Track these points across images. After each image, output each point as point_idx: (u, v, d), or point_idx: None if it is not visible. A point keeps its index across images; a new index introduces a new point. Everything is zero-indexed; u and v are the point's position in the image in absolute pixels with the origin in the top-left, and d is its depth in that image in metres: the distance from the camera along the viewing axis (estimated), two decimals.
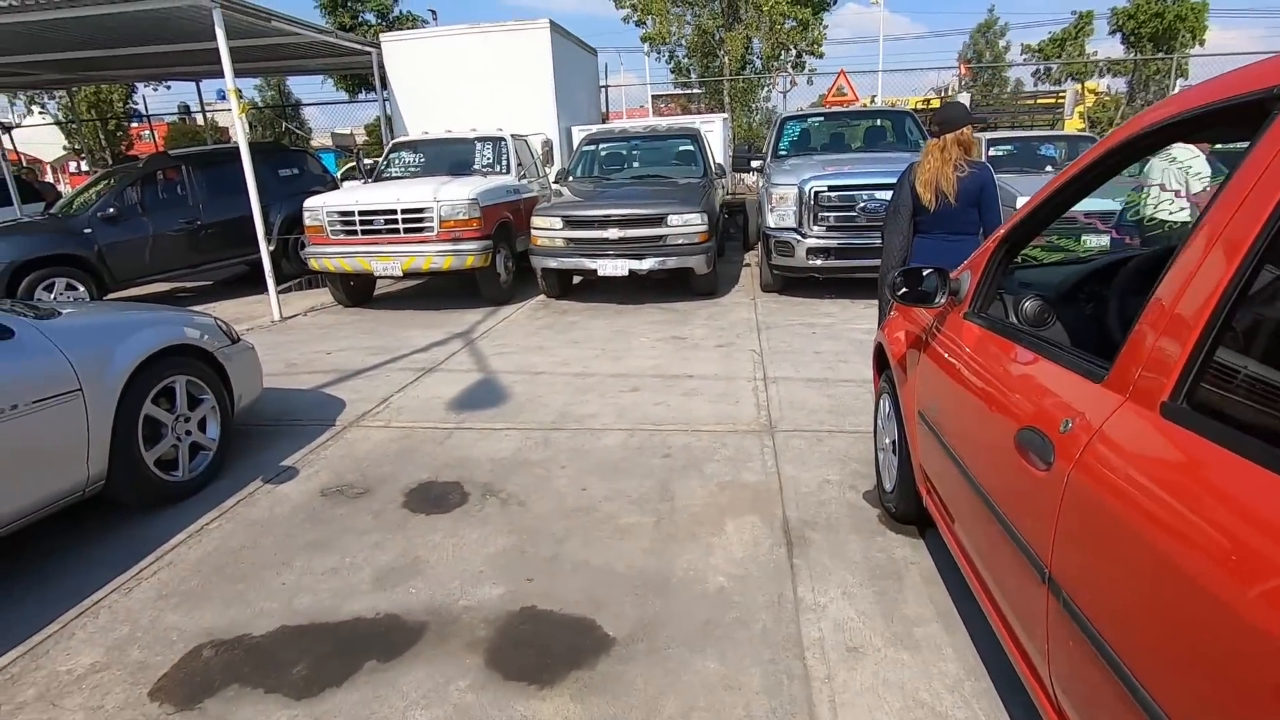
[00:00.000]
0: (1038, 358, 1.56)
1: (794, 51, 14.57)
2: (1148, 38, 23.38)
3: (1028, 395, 1.54)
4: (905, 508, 2.68)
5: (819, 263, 6.72)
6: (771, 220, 6.97)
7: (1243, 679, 0.82)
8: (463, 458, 3.63)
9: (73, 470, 2.75)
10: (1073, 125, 14.76)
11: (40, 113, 20.06)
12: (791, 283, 7.29)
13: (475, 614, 2.37)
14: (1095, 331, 1.87)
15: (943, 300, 2.07)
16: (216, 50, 6.43)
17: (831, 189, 6.62)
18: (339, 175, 12.07)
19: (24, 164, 20.38)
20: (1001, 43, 32.82)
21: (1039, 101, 20.52)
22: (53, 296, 6.99)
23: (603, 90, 13.02)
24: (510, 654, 2.17)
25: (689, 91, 18.56)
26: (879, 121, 8.93)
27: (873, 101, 13.16)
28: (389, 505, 3.16)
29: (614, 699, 1.96)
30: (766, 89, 14.98)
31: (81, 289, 7.26)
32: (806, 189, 6.69)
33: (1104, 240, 6.12)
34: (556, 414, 4.20)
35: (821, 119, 9.13)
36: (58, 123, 21.92)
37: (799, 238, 6.76)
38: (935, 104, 14.81)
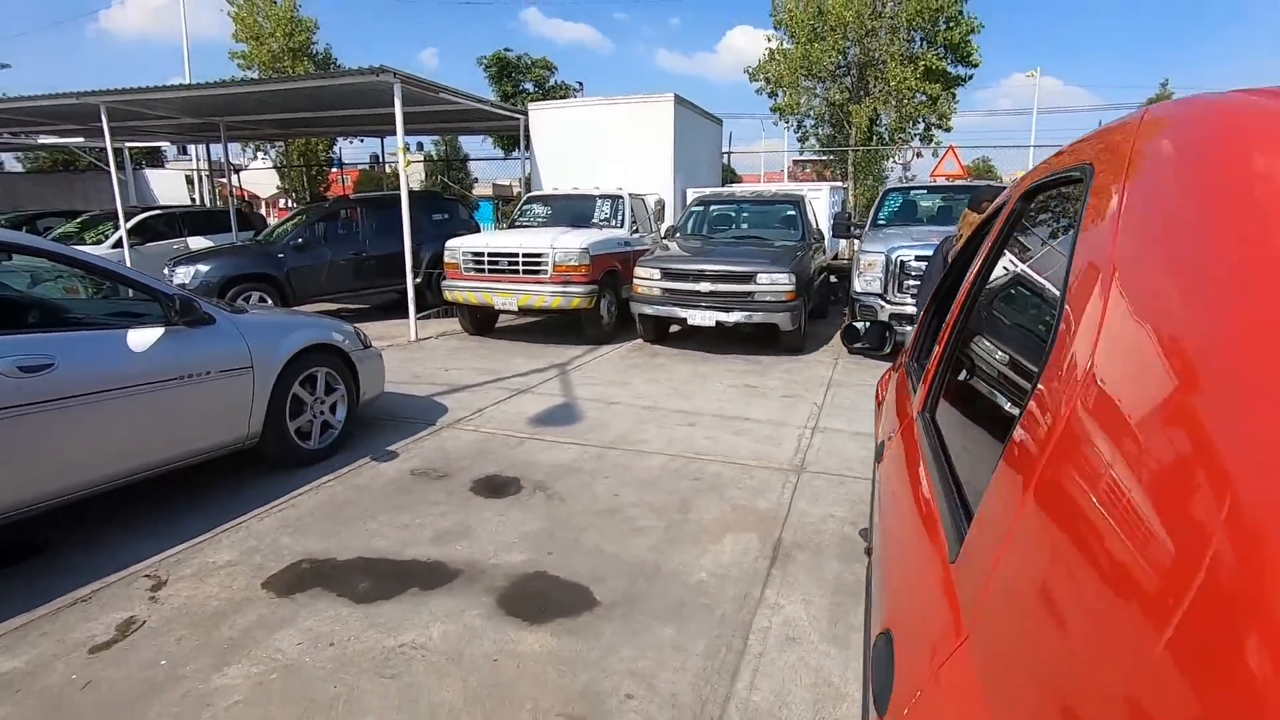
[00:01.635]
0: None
1: (921, 125, 14.76)
2: None
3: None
4: None
5: (900, 327, 6.93)
6: (858, 285, 7.29)
7: None
8: (527, 461, 4.30)
9: (238, 426, 3.70)
10: None
11: (262, 158, 24.15)
12: None
13: (500, 570, 2.97)
14: None
15: (888, 349, 2.46)
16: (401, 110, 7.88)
17: (917, 257, 6.86)
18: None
19: (245, 199, 24.55)
20: None
21: None
22: (249, 304, 8.63)
23: (728, 155, 13.83)
24: (517, 600, 2.75)
25: (824, 158, 19.09)
26: None
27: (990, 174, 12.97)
28: (459, 488, 3.87)
29: (582, 641, 2.47)
30: (891, 159, 15.18)
31: (269, 301, 8.89)
32: (893, 256, 6.98)
33: None
34: (616, 436, 4.79)
35: (924, 191, 9.33)
36: (275, 167, 26.15)
37: (882, 303, 7.02)
38: None
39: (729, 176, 21.94)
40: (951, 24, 14.51)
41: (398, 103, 7.78)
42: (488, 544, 3.21)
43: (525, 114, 11.09)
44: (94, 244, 10.69)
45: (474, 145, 28.81)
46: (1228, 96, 0.65)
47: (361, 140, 21.53)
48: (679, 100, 10.37)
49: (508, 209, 15.71)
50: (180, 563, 3.02)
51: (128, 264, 9.54)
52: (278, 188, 30.45)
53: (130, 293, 3.54)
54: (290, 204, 25.71)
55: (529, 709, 2.12)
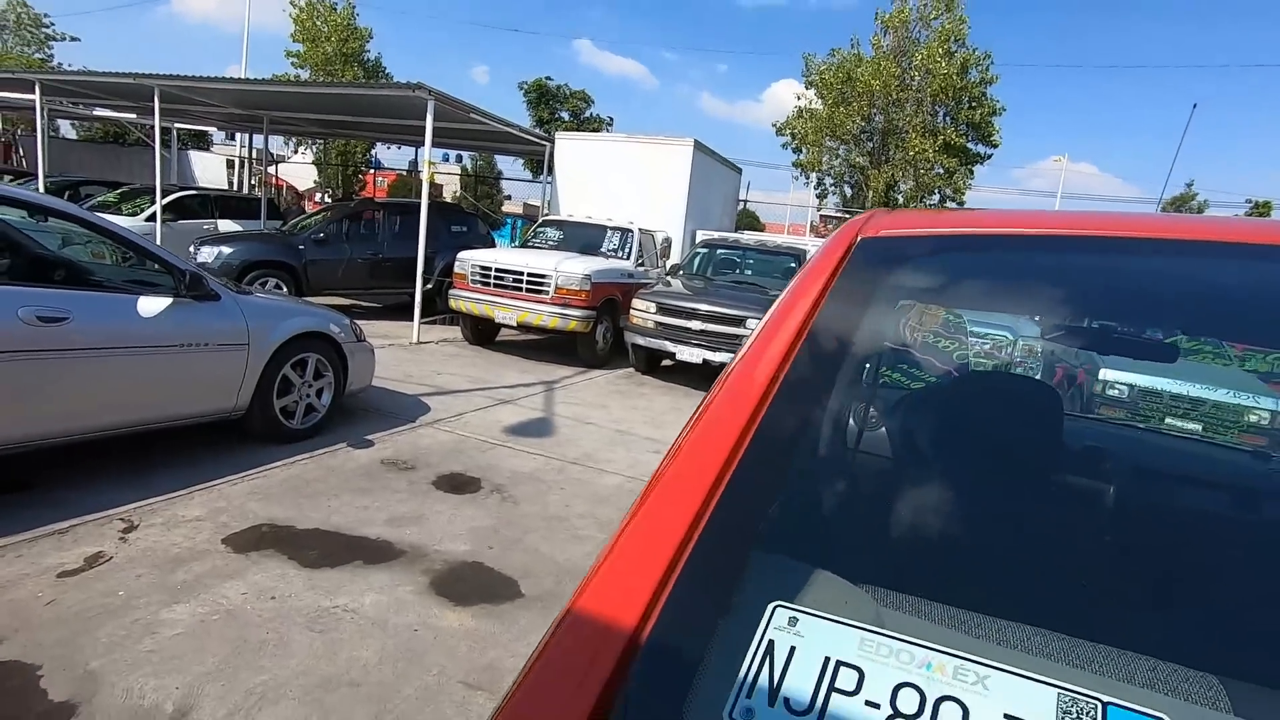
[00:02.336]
0: None
1: (937, 196, 15.17)
2: None
3: None
4: None
5: None
6: None
7: None
8: (492, 465, 4.56)
9: (227, 397, 4.00)
10: None
11: (303, 153, 25.08)
12: None
13: (441, 556, 3.22)
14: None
15: None
16: (433, 125, 8.34)
17: None
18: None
19: (282, 189, 25.42)
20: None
21: None
22: (264, 289, 9.02)
23: (744, 203, 14.25)
24: (450, 583, 2.99)
25: (845, 216, 19.59)
26: None
27: None
28: (422, 480, 4.13)
29: (499, 624, 2.71)
30: None
31: (284, 289, 9.27)
32: None
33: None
34: (582, 453, 5.05)
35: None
36: (314, 162, 27.07)
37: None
38: None
39: (751, 223, 22.42)
40: (974, 104, 15.02)
41: (429, 118, 8.24)
42: (436, 532, 3.46)
43: (552, 141, 11.59)
44: (130, 215, 11.20)
45: (507, 164, 29.65)
46: (881, 212, 0.93)
47: (400, 147, 22.31)
48: (699, 146, 10.81)
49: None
50: (153, 512, 3.29)
51: (158, 238, 10.01)
52: (315, 182, 31.42)
53: (149, 264, 3.89)
54: (324, 199, 26.53)
55: (435, 673, 2.36)
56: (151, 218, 10.93)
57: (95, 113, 17.10)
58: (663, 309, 7.97)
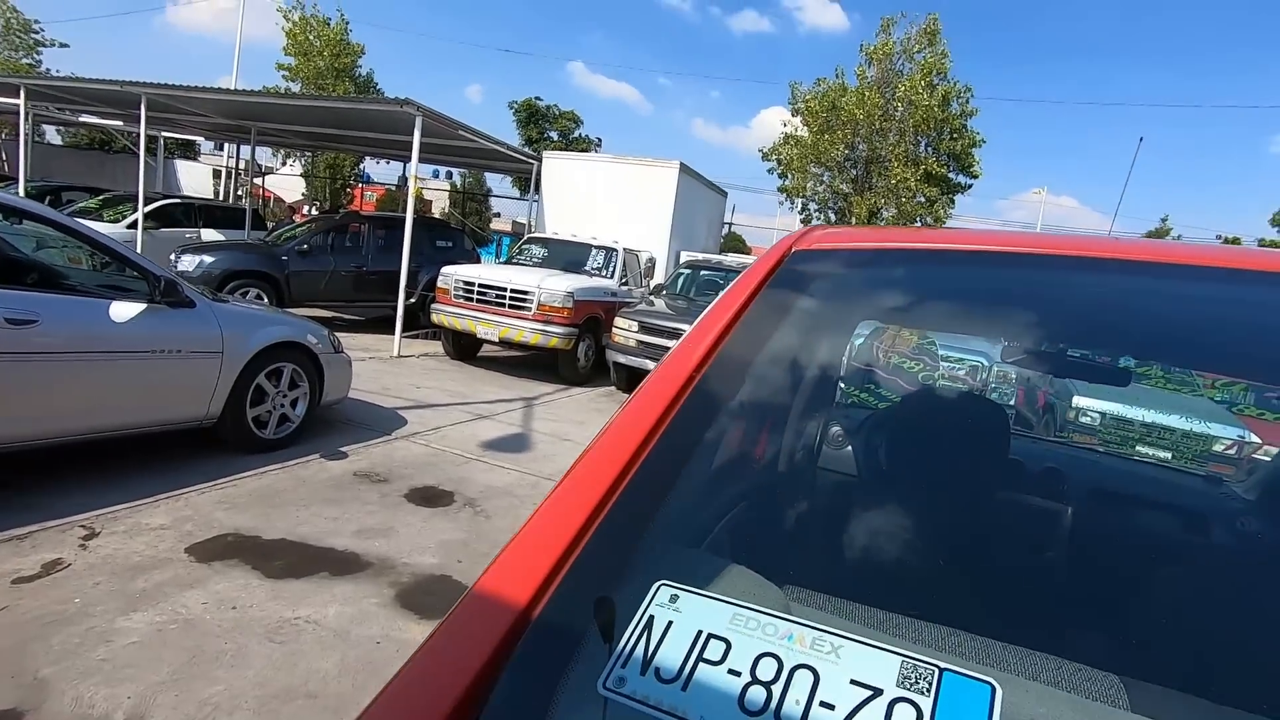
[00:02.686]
0: None
1: (918, 223, 15.42)
2: None
3: None
4: None
5: None
6: None
7: None
8: (466, 478, 4.54)
9: (200, 405, 3.97)
10: None
11: (291, 164, 25.03)
12: None
13: (408, 569, 3.19)
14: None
15: None
16: (421, 141, 8.39)
17: None
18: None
19: (269, 201, 25.33)
20: None
21: None
22: (245, 299, 8.96)
23: (728, 226, 14.41)
24: (416, 596, 2.96)
25: None
26: None
27: None
28: (394, 493, 4.10)
29: None
30: None
31: (265, 300, 9.22)
32: None
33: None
34: (557, 469, 5.04)
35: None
36: (303, 174, 27.03)
37: None
38: None
39: (737, 246, 22.63)
40: (955, 135, 15.35)
41: (416, 134, 8.29)
42: (405, 545, 3.43)
43: (539, 160, 11.69)
44: (111, 222, 11.10)
45: (496, 181, 29.81)
46: (820, 227, 0.97)
47: (388, 162, 22.37)
48: (684, 168, 10.95)
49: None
50: (116, 520, 3.24)
51: (139, 246, 9.93)
52: (302, 194, 31.34)
53: (125, 269, 3.86)
54: (311, 211, 26.47)
55: None
56: (133, 225, 10.84)
57: (81, 119, 17.02)
58: (645, 328, 8.02)
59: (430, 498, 4.12)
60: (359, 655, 2.47)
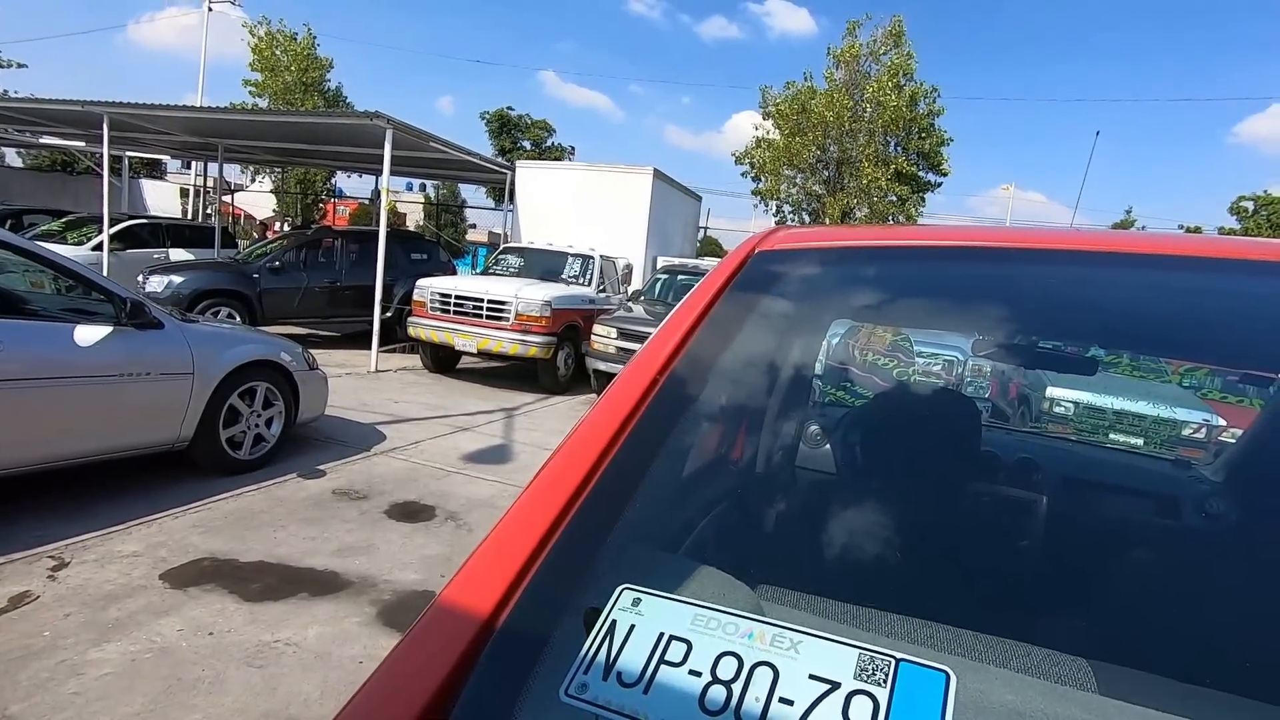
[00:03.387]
0: None
1: (890, 222, 15.63)
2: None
3: None
4: None
5: None
6: None
7: None
8: (447, 492, 4.49)
9: (172, 428, 3.89)
10: None
11: (261, 180, 24.72)
12: None
13: (390, 586, 3.15)
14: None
15: None
16: (392, 154, 8.33)
17: None
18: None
19: (240, 219, 25.00)
20: None
21: None
22: (217, 319, 8.82)
23: (704, 230, 14.48)
24: (398, 613, 2.93)
25: None
26: None
27: None
28: (374, 509, 4.05)
29: None
30: None
31: (238, 319, 9.08)
32: None
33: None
34: None
35: None
36: (273, 190, 26.72)
37: None
38: None
39: (714, 250, 22.75)
40: (924, 134, 15.59)
41: (387, 146, 8.23)
42: (385, 562, 3.39)
43: (513, 169, 11.67)
44: (75, 245, 10.88)
45: (471, 192, 29.72)
46: (784, 228, 0.97)
47: (360, 176, 22.21)
48: (658, 174, 11.00)
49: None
50: (86, 548, 3.17)
51: (105, 268, 9.74)
52: (274, 211, 30.97)
53: (90, 292, 3.78)
54: (283, 227, 26.15)
55: None
56: (98, 247, 10.63)
57: (42, 141, 16.67)
58: (624, 334, 8.01)
59: (411, 513, 4.08)
60: (341, 676, 2.43)
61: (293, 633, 2.67)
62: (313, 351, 5.25)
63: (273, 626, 2.69)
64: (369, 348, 8.84)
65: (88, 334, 3.34)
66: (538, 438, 6.24)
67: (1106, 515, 1.52)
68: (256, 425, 4.45)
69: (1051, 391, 5.57)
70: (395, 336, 10.10)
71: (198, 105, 13.69)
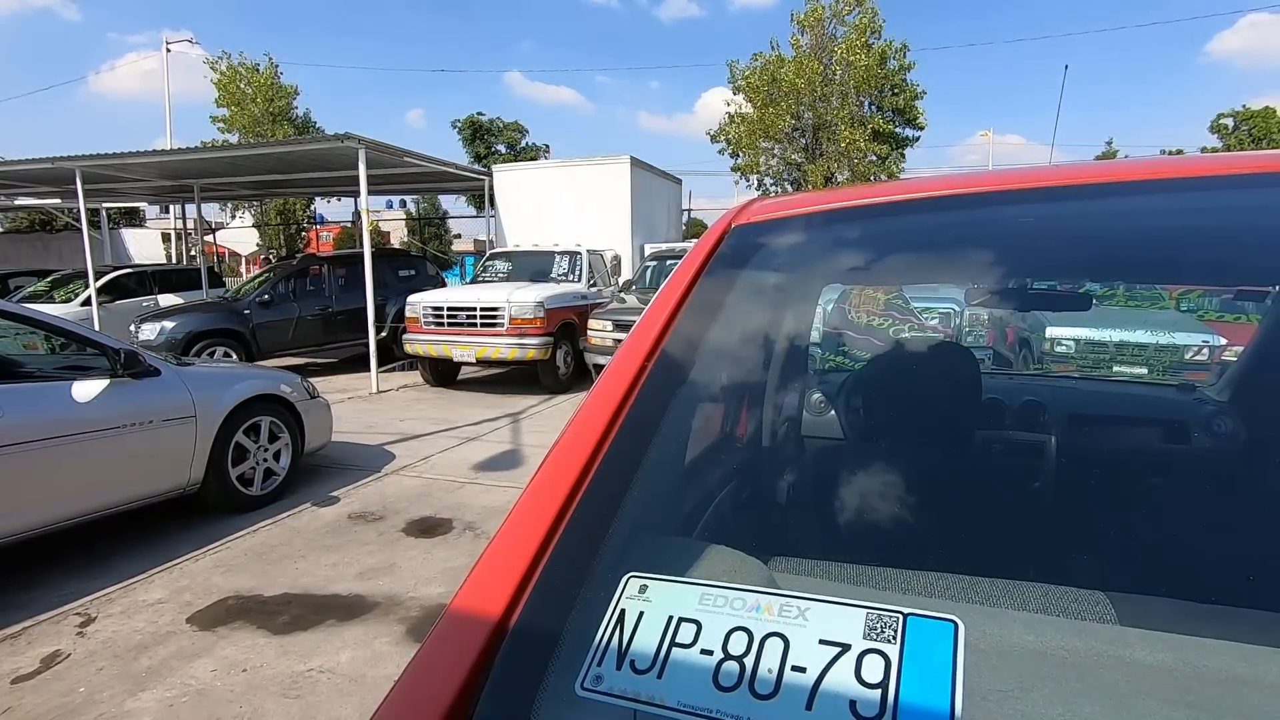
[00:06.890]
0: None
1: (871, 181, 15.56)
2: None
3: None
4: None
5: None
6: None
7: None
8: (462, 503, 4.50)
9: (180, 473, 3.90)
10: None
11: (241, 216, 24.66)
12: None
13: (416, 602, 3.16)
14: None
15: None
16: (368, 173, 8.30)
17: None
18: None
19: (224, 257, 24.94)
20: None
21: None
22: (214, 359, 8.82)
23: (688, 213, 14.44)
24: (427, 628, 2.93)
25: None
26: None
27: None
28: (391, 529, 4.06)
29: None
30: None
31: (234, 356, 9.08)
32: None
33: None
34: None
35: None
36: (255, 225, 26.65)
37: None
38: None
39: (700, 231, 22.70)
40: (896, 91, 15.49)
41: (362, 166, 8.19)
42: (409, 579, 3.40)
43: (490, 175, 11.62)
44: (63, 302, 10.88)
45: (451, 202, 29.64)
46: (759, 199, 0.96)
47: (340, 199, 22.14)
48: (635, 162, 10.94)
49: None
50: (111, 601, 3.18)
51: (95, 322, 9.73)
52: (258, 245, 30.89)
53: (84, 348, 3.78)
54: (269, 260, 26.10)
55: None
56: (87, 302, 10.62)
57: (17, 202, 16.62)
58: (619, 326, 8.00)
59: (428, 528, 4.09)
60: (377, 697, 2.43)
61: (325, 660, 2.68)
62: (313, 379, 5.26)
63: (304, 656, 2.71)
64: (368, 370, 8.84)
65: (85, 389, 3.34)
66: (546, 439, 6.24)
67: (1116, 447, 1.51)
68: (265, 460, 4.45)
69: (1051, 331, 5.55)
70: (393, 356, 10.11)
71: (168, 148, 13.64)
